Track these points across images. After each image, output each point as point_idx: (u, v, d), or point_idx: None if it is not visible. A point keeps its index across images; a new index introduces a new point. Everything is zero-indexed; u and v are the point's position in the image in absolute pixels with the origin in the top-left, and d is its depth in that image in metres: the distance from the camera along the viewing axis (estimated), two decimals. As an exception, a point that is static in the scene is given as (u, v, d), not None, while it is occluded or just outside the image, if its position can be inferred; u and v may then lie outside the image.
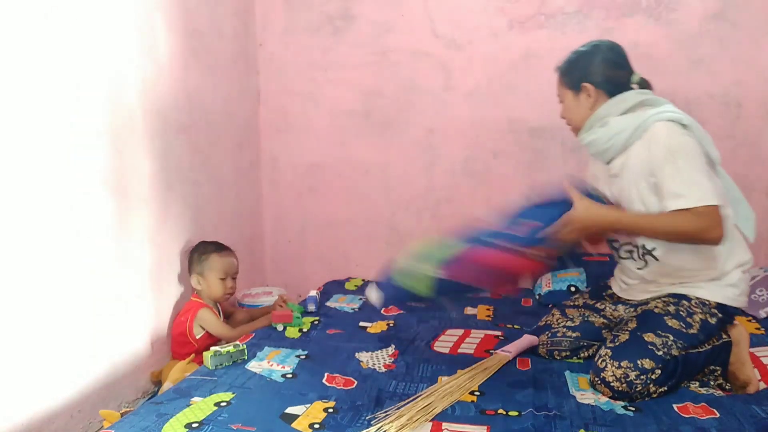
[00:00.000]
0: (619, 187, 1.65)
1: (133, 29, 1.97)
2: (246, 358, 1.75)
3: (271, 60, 2.87)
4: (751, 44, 2.34)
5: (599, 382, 1.50)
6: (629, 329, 1.58)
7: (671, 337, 1.52)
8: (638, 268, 1.69)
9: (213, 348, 1.72)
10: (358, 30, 2.73)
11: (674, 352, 1.51)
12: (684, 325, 1.54)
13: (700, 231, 1.48)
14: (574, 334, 1.76)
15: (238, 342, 1.84)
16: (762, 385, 1.56)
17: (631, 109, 1.63)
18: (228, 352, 1.72)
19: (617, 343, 1.55)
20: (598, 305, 1.81)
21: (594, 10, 2.47)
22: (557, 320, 1.82)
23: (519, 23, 2.55)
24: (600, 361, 1.53)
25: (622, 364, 1.47)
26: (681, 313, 1.56)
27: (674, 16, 2.40)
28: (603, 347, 1.58)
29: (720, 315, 1.59)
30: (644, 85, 1.70)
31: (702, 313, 1.57)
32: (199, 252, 2.19)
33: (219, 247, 2.21)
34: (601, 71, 1.67)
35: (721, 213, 1.48)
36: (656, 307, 1.61)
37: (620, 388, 1.46)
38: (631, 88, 1.67)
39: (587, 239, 1.63)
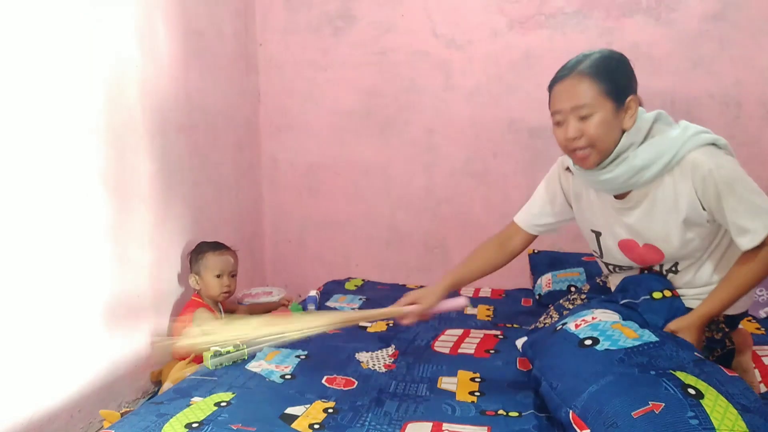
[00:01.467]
0: (638, 221, 1.46)
1: (133, 29, 1.97)
2: (246, 358, 1.75)
3: (271, 60, 2.87)
4: (751, 44, 2.34)
5: None
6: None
7: None
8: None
9: (213, 348, 1.72)
10: (358, 30, 2.73)
11: None
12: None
13: None
14: None
15: (238, 342, 1.84)
16: (763, 388, 1.55)
17: (646, 138, 1.40)
18: (228, 352, 1.72)
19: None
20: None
21: (594, 10, 2.47)
22: (555, 321, 1.80)
23: (519, 23, 2.55)
24: None
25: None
26: None
27: (674, 16, 2.40)
28: None
29: (727, 328, 1.52)
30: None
31: (709, 331, 1.49)
32: (196, 252, 2.20)
33: (215, 246, 2.21)
34: (636, 85, 1.40)
35: None
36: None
37: None
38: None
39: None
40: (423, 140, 2.74)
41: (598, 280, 1.88)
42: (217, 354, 1.70)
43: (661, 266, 1.54)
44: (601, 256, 1.64)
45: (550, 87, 1.43)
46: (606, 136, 1.36)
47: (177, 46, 2.21)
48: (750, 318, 2.02)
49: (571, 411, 1.23)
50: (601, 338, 1.35)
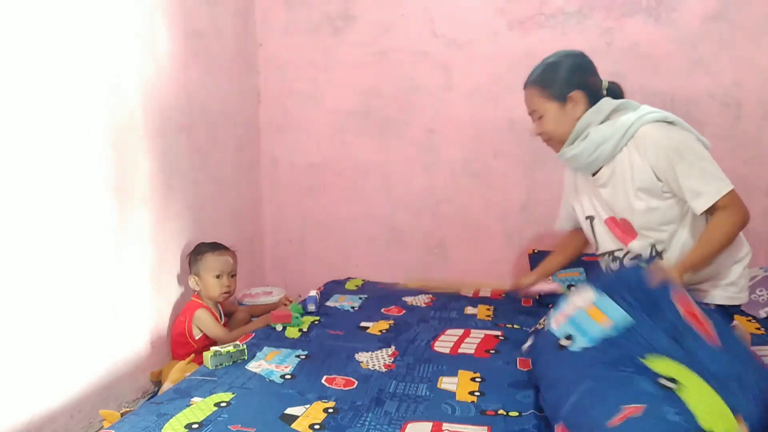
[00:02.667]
0: (610, 195, 1.64)
1: (133, 30, 1.97)
2: (246, 358, 1.75)
3: (271, 60, 2.87)
4: (751, 44, 2.34)
5: None
6: None
7: None
8: None
9: (213, 348, 1.72)
10: (358, 30, 2.73)
11: None
12: None
13: (734, 222, 1.49)
14: None
15: (237, 342, 1.84)
16: None
17: (608, 117, 1.61)
18: (228, 352, 1.72)
19: None
20: None
21: (594, 10, 2.47)
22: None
23: (519, 23, 2.55)
24: None
25: None
26: None
27: (674, 16, 2.40)
28: None
29: (720, 319, 1.54)
30: (615, 89, 1.69)
31: None
32: (195, 253, 2.19)
33: (214, 247, 2.20)
34: (582, 78, 1.64)
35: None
36: None
37: None
38: (603, 95, 1.65)
39: None
40: (423, 140, 2.74)
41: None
42: (217, 354, 1.70)
43: (655, 247, 1.61)
44: (598, 247, 1.75)
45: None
46: (557, 128, 1.66)
47: (177, 47, 2.21)
48: (750, 318, 2.02)
49: (557, 426, 1.25)
50: (577, 334, 1.40)
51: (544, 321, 1.87)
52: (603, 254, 1.75)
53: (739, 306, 1.62)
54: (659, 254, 1.61)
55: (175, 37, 2.19)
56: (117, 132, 1.89)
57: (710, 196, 1.48)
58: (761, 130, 2.39)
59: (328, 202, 2.90)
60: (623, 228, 1.65)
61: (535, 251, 2.58)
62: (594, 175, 1.67)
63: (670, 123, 1.55)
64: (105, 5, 1.83)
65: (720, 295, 1.58)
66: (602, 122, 1.61)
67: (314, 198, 2.92)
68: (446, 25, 2.63)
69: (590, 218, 1.75)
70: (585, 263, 2.36)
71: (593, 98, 1.63)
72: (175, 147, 2.20)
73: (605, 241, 1.72)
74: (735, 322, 1.66)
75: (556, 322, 1.50)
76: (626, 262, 1.69)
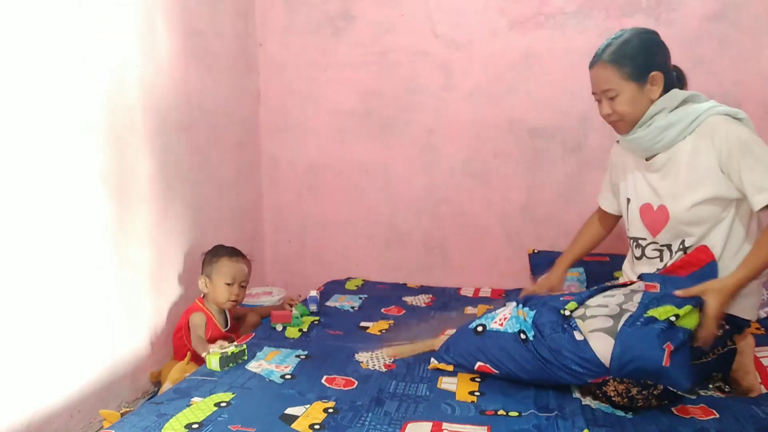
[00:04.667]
0: (661, 181, 1.61)
1: (133, 29, 1.97)
2: (246, 358, 1.75)
3: (271, 60, 2.87)
4: (751, 44, 2.34)
5: (600, 395, 1.46)
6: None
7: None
8: (658, 269, 1.63)
9: (218, 351, 1.71)
10: (358, 30, 2.73)
11: None
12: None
13: None
14: None
15: (236, 342, 1.84)
16: (763, 390, 1.55)
17: (679, 105, 1.58)
18: (232, 353, 1.72)
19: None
20: None
21: (594, 10, 2.47)
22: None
23: (519, 23, 2.55)
24: None
25: (624, 379, 1.42)
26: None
27: (674, 16, 2.40)
28: None
29: (728, 327, 1.53)
30: (680, 74, 1.69)
31: None
32: (211, 254, 2.15)
33: (232, 252, 2.16)
34: (661, 59, 1.60)
35: None
36: None
37: (621, 403, 1.42)
38: (674, 79, 1.63)
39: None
40: (423, 140, 2.74)
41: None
42: (223, 356, 1.69)
43: (684, 242, 1.59)
44: (628, 229, 1.75)
45: (590, 69, 1.65)
46: (633, 110, 1.58)
47: (177, 46, 2.21)
48: (750, 318, 2.02)
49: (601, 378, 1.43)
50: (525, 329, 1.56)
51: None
52: (630, 238, 1.74)
53: (749, 321, 1.58)
54: (686, 249, 1.58)
55: (175, 37, 2.19)
56: (117, 132, 1.89)
57: None
58: (761, 130, 2.36)
59: (328, 202, 2.90)
60: (657, 217, 1.62)
61: (535, 251, 2.58)
62: (648, 159, 1.64)
63: (739, 120, 1.53)
64: (105, 5, 1.83)
65: (734, 304, 1.51)
66: (673, 110, 1.57)
67: (314, 198, 2.92)
68: (446, 25, 2.63)
69: (628, 200, 1.74)
70: (586, 263, 2.36)
71: (668, 81, 1.59)
72: (175, 147, 2.20)
73: (635, 226, 1.71)
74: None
75: (499, 323, 1.61)
76: (649, 252, 1.67)
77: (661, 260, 1.64)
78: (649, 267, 1.67)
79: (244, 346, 1.77)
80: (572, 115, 2.52)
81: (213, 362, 1.69)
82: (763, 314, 2.05)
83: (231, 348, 1.73)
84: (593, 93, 1.64)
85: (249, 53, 2.79)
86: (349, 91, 2.79)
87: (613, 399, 1.43)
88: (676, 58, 2.43)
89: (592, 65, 1.62)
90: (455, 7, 2.61)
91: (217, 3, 2.48)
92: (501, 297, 2.40)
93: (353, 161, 2.83)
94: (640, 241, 1.70)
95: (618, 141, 1.78)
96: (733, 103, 2.37)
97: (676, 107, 1.57)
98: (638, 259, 1.72)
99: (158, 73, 2.10)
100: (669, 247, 1.62)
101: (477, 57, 2.62)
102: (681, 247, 1.59)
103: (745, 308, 1.55)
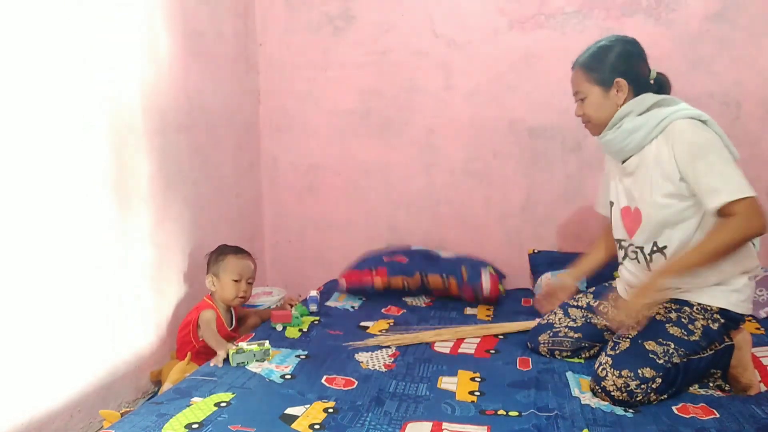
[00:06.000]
0: (633, 183, 1.65)
1: (133, 29, 1.97)
2: (270, 358, 1.74)
3: (271, 60, 2.87)
4: (751, 44, 2.34)
5: (599, 390, 1.48)
6: (630, 336, 1.55)
7: (672, 345, 1.49)
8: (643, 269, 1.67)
9: (238, 344, 1.73)
10: (358, 30, 2.73)
11: (675, 360, 1.48)
12: (685, 333, 1.52)
13: (744, 229, 1.45)
14: (575, 335, 1.76)
15: (263, 341, 1.81)
16: (763, 388, 1.55)
17: (648, 110, 1.61)
18: (252, 350, 1.72)
19: (618, 351, 1.52)
20: (601, 308, 1.80)
21: (594, 10, 2.47)
22: (559, 320, 1.82)
23: (519, 23, 2.55)
24: (600, 369, 1.50)
25: (622, 373, 1.45)
26: (682, 320, 1.54)
27: (674, 16, 2.40)
28: (603, 354, 1.56)
29: (722, 320, 1.55)
30: (662, 80, 1.70)
31: (704, 319, 1.54)
32: (217, 253, 2.18)
33: (237, 250, 2.19)
34: (630, 66, 1.64)
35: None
36: (657, 313, 1.57)
37: (620, 397, 1.44)
38: (650, 85, 1.67)
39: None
40: (423, 140, 2.74)
41: (606, 283, 1.93)
42: (239, 351, 1.70)
43: (656, 243, 1.61)
44: (614, 231, 1.77)
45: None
46: (598, 113, 1.67)
47: (177, 47, 2.21)
48: (750, 318, 2.02)
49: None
50: None
51: (546, 318, 1.88)
52: (615, 239, 1.77)
53: (743, 316, 1.59)
54: (661, 250, 1.61)
55: (175, 37, 2.19)
56: (117, 132, 1.89)
57: (727, 194, 1.44)
58: (761, 130, 2.39)
59: (328, 202, 2.90)
60: (633, 219, 1.66)
61: (535, 251, 2.58)
62: (624, 162, 1.68)
63: (703, 122, 1.54)
64: (105, 5, 1.83)
65: (723, 299, 1.55)
66: (641, 114, 1.61)
67: (314, 198, 2.92)
68: (446, 25, 2.63)
69: (612, 203, 1.78)
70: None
71: (638, 88, 1.64)
72: (175, 147, 2.20)
73: (617, 228, 1.75)
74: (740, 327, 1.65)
75: None
76: (630, 253, 1.71)
77: (638, 261, 1.68)
78: (633, 267, 1.71)
79: (269, 347, 1.74)
80: (572, 115, 2.47)
81: (237, 359, 1.69)
82: (763, 314, 2.06)
83: (253, 346, 1.72)
84: (573, 95, 1.74)
85: (249, 53, 2.79)
86: (349, 91, 2.79)
87: (612, 394, 1.45)
88: (676, 58, 2.44)
89: (571, 69, 1.73)
90: (455, 7, 2.61)
91: (217, 3, 2.48)
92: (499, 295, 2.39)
93: (353, 161, 2.83)
94: (622, 243, 1.74)
95: None
96: (733, 103, 2.40)
97: (645, 111, 1.61)
98: (623, 259, 1.76)
99: (158, 73, 2.10)
100: (642, 249, 1.65)
101: (477, 57, 2.62)
102: (655, 248, 1.62)
103: (736, 303, 1.56)
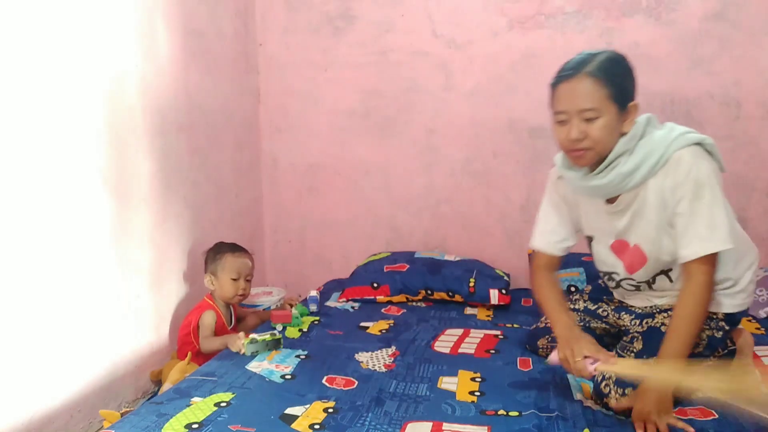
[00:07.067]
0: (626, 223, 1.49)
1: (133, 29, 1.97)
2: (281, 348, 1.83)
3: (271, 60, 2.87)
4: (751, 44, 2.34)
5: (600, 404, 1.43)
6: (634, 351, 1.49)
7: None
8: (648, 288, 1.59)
9: (251, 335, 1.79)
10: (358, 30, 2.73)
11: None
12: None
13: (709, 292, 1.37)
14: None
15: (275, 331, 1.90)
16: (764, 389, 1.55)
17: (640, 137, 1.42)
18: (264, 340, 1.79)
19: None
20: (600, 311, 1.74)
21: (594, 10, 2.47)
22: None
23: (519, 23, 2.55)
24: (603, 385, 1.42)
25: (626, 391, 1.38)
26: None
27: (674, 16, 2.40)
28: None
29: (727, 327, 1.51)
30: None
31: (709, 329, 1.49)
32: (214, 251, 2.18)
33: (234, 248, 2.19)
34: (635, 89, 1.40)
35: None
36: (663, 324, 1.50)
37: (623, 412, 1.38)
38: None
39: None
40: (423, 140, 2.74)
41: (600, 282, 1.88)
42: (253, 341, 1.76)
43: (654, 277, 1.53)
44: (597, 265, 1.66)
45: (554, 84, 1.42)
46: (607, 140, 1.37)
47: (177, 46, 2.21)
48: (750, 318, 2.02)
49: None
50: None
51: (544, 320, 1.87)
52: (600, 271, 1.67)
53: (746, 311, 1.55)
54: (666, 272, 1.53)
55: (174, 37, 2.19)
56: (117, 132, 1.89)
57: (702, 249, 1.35)
58: (761, 130, 2.39)
59: (328, 202, 2.90)
60: (634, 256, 1.53)
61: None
62: (610, 201, 1.50)
63: (705, 149, 1.40)
64: (105, 5, 1.83)
65: (729, 303, 1.50)
66: (633, 152, 1.40)
67: (314, 198, 2.92)
68: (446, 25, 2.63)
69: (590, 238, 1.63)
70: (585, 263, 2.35)
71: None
72: (175, 147, 2.20)
73: (604, 263, 1.62)
74: (740, 328, 1.63)
75: None
76: (624, 284, 1.61)
77: (639, 290, 1.60)
78: (628, 294, 1.64)
79: (280, 336, 1.84)
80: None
81: (251, 348, 1.77)
82: (763, 314, 2.06)
83: (265, 335, 1.80)
84: (558, 112, 1.40)
85: (249, 53, 2.79)
86: (349, 91, 2.79)
87: (614, 409, 1.39)
88: (676, 58, 2.45)
89: (566, 78, 1.38)
90: (455, 7, 2.61)
91: (217, 3, 2.48)
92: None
93: (353, 161, 2.83)
94: (614, 276, 1.61)
95: (560, 177, 1.58)
96: (733, 102, 2.40)
97: (636, 144, 1.41)
98: (614, 288, 1.68)
99: (158, 73, 2.10)
100: (648, 281, 1.56)
101: (477, 57, 2.62)
102: (659, 273, 1.54)
103: (741, 303, 1.52)
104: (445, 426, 1.35)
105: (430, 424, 1.36)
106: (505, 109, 2.61)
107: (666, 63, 2.43)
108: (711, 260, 1.36)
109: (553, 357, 1.47)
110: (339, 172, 2.86)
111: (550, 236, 1.66)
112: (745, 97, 2.37)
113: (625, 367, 1.39)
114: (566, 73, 1.39)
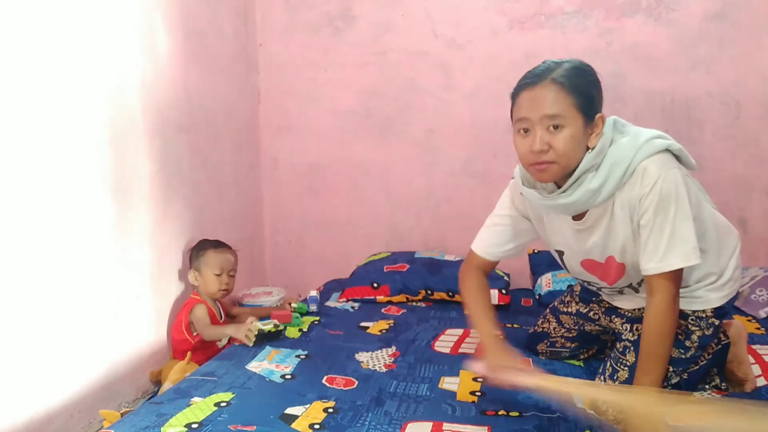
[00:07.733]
0: (596, 239, 1.43)
1: (133, 29, 1.97)
2: (282, 337, 1.90)
3: (271, 60, 2.87)
4: (751, 44, 2.34)
5: (596, 417, 1.38)
6: (628, 364, 1.46)
7: (671, 369, 1.42)
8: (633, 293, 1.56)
9: (257, 325, 1.85)
10: (358, 30, 2.73)
11: (675, 380, 1.43)
12: (682, 351, 1.44)
13: (675, 313, 1.34)
14: (572, 344, 1.75)
15: (278, 322, 1.94)
16: (762, 382, 1.55)
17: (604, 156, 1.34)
18: (269, 331, 1.85)
19: (617, 381, 1.46)
20: (591, 314, 1.71)
21: (594, 10, 2.47)
22: (554, 329, 1.77)
23: (519, 23, 2.55)
24: (601, 402, 1.37)
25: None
26: (679, 337, 1.43)
27: (674, 16, 2.40)
28: (601, 378, 1.49)
29: (717, 322, 1.47)
30: None
31: (699, 329, 1.45)
32: (197, 248, 2.20)
33: (216, 244, 2.22)
34: (601, 102, 1.33)
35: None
36: None
37: (620, 422, 1.35)
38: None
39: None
40: (423, 140, 2.74)
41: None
42: (260, 332, 1.82)
43: (640, 282, 1.49)
44: (572, 274, 1.62)
45: (516, 92, 1.35)
46: (573, 152, 1.29)
47: (177, 46, 2.21)
48: (750, 318, 2.02)
49: None
50: None
51: (541, 324, 1.87)
52: (580, 280, 1.65)
53: (735, 297, 1.51)
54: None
55: (174, 37, 2.19)
56: (117, 132, 1.89)
57: (665, 264, 1.29)
58: (761, 130, 2.39)
59: (328, 202, 2.90)
60: (609, 269, 1.48)
61: (535, 251, 2.58)
62: (576, 218, 1.43)
63: (674, 155, 1.35)
64: (105, 5, 1.83)
65: (716, 297, 1.45)
66: (599, 167, 1.33)
67: (314, 198, 2.92)
68: (446, 25, 2.63)
69: (560, 253, 1.57)
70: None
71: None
72: (175, 147, 2.20)
73: (580, 274, 1.58)
74: (733, 320, 1.63)
75: None
76: (604, 291, 1.59)
77: (623, 294, 1.57)
78: (614, 296, 1.60)
79: (282, 326, 1.89)
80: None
81: (256, 334, 1.83)
82: (763, 314, 2.06)
83: (269, 326, 1.84)
84: (521, 119, 1.33)
85: (249, 53, 2.79)
86: (349, 91, 2.79)
87: (611, 419, 1.35)
88: (676, 58, 2.45)
89: (530, 85, 1.31)
90: (455, 7, 2.61)
91: (217, 3, 2.48)
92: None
93: (353, 161, 2.83)
94: (592, 284, 1.58)
95: (521, 193, 1.51)
96: (733, 102, 2.40)
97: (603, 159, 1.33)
98: (597, 291, 1.64)
99: (158, 73, 2.10)
100: (631, 285, 1.52)
101: (477, 57, 2.62)
102: (637, 285, 1.50)
103: (729, 293, 1.47)
104: (446, 426, 1.35)
105: (431, 424, 1.36)
106: (506, 109, 2.56)
107: (666, 63, 2.43)
108: (674, 276, 1.31)
109: (475, 366, 1.42)
110: (339, 172, 2.86)
111: (495, 248, 1.62)
112: (745, 97, 2.38)
113: (548, 382, 1.34)
114: (530, 80, 1.32)
